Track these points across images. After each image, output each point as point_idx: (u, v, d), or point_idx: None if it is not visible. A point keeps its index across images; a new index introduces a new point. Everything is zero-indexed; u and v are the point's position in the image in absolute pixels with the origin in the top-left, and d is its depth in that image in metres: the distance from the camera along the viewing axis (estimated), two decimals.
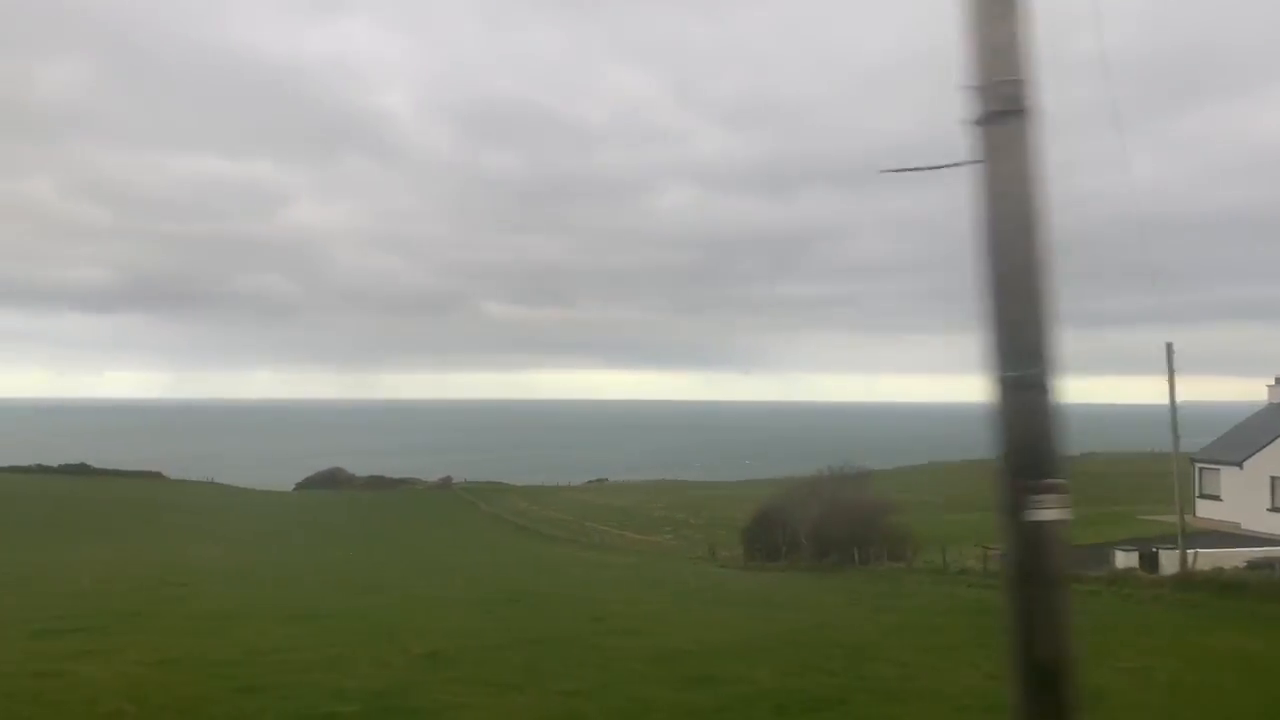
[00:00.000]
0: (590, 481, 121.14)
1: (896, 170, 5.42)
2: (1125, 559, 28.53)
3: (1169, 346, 25.78)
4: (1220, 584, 21.44)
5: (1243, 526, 38.91)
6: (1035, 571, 4.42)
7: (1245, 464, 41.51)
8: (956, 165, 4.47)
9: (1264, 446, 42.31)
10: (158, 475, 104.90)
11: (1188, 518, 35.30)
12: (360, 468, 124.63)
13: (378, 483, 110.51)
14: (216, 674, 12.07)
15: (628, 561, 40.85)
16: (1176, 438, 27.53)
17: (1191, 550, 25.95)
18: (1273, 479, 41.12)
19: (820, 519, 35.13)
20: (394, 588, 24.68)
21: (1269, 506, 40.45)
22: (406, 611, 19.20)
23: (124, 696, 10.68)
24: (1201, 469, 43.04)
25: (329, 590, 24.02)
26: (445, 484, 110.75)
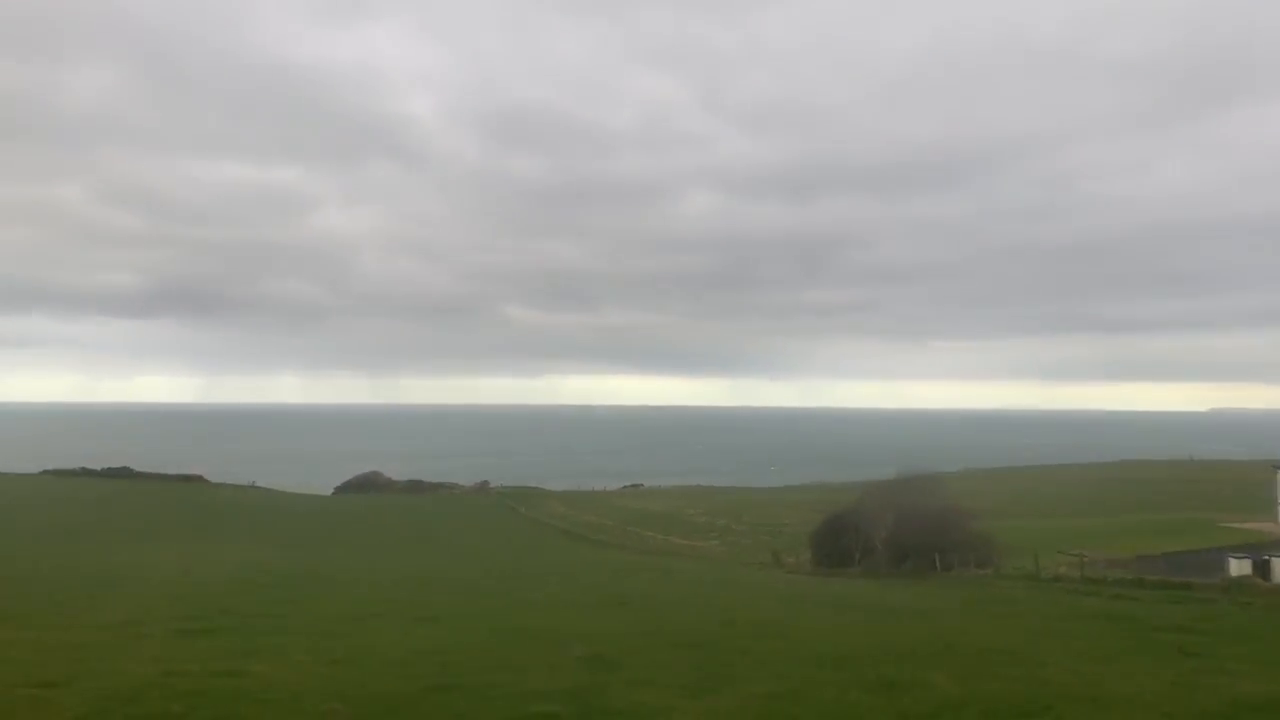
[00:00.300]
0: (626, 486, 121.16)
1: None
2: (1239, 567, 28.05)
3: None
4: None
5: None
6: None
7: None
8: None
9: None
10: (199, 479, 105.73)
11: (1269, 525, 34.75)
12: (394, 471, 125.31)
13: (416, 487, 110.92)
14: (397, 674, 12.24)
15: (691, 566, 40.78)
16: None
17: None
18: None
19: (897, 525, 34.91)
20: (494, 591, 24.83)
21: None
22: (527, 613, 19.33)
23: (326, 695, 10.87)
24: None
25: (431, 592, 24.21)
26: (483, 488, 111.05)
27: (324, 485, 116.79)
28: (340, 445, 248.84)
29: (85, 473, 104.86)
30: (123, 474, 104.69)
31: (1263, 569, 27.52)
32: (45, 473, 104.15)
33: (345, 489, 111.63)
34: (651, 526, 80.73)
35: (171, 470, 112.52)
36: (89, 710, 10.25)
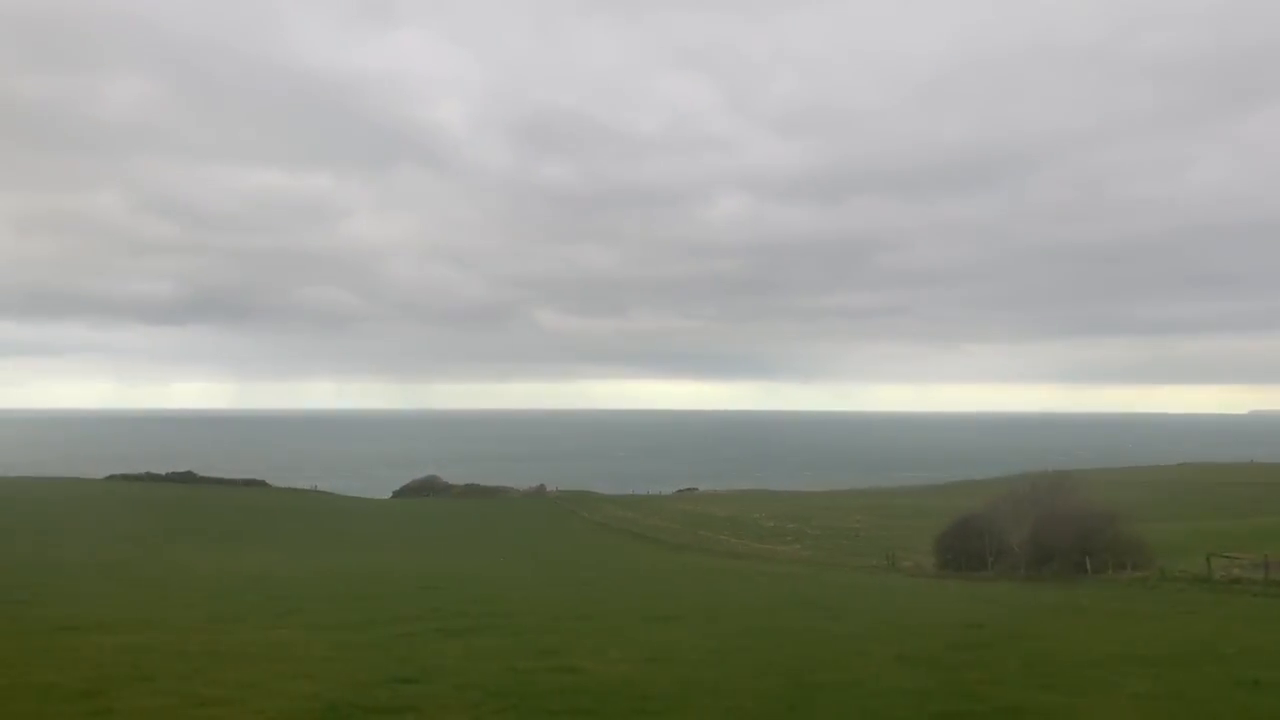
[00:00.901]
0: (680, 490, 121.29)
1: None
2: None
3: None
4: None
5: None
6: None
7: None
8: None
9: None
10: (262, 483, 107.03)
11: None
12: (449, 476, 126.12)
13: (473, 490, 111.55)
14: (723, 672, 12.35)
15: (802, 572, 40.65)
16: None
17: None
18: None
19: (1037, 527, 34.63)
20: (667, 593, 25.00)
21: None
22: (745, 616, 19.44)
23: (703, 693, 11.03)
24: None
25: (611, 593, 24.40)
26: (539, 492, 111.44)
27: (377, 489, 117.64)
28: (379, 450, 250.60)
29: (150, 477, 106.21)
30: (186, 479, 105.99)
31: None
32: (111, 478, 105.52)
33: (404, 493, 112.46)
34: (721, 530, 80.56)
35: (224, 475, 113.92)
36: (499, 706, 10.48)
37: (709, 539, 74.09)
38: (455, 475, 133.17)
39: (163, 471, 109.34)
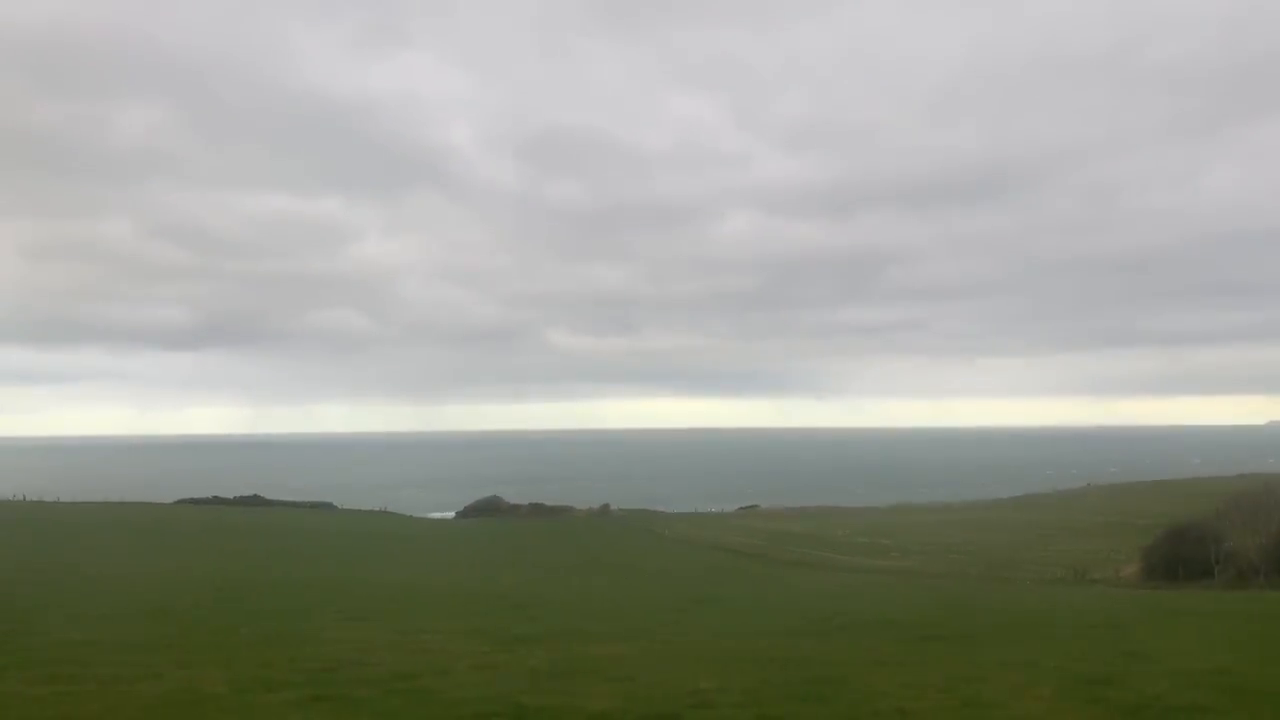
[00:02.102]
0: (742, 508, 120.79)
1: None
2: None
3: None
4: None
5: None
6: None
7: None
8: None
9: None
10: (330, 505, 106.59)
11: None
12: (511, 496, 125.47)
13: (539, 510, 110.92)
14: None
15: (1001, 588, 39.96)
16: None
17: None
18: None
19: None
20: (959, 608, 24.72)
21: None
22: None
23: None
24: None
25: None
26: (604, 511, 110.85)
27: (426, 510, 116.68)
28: (404, 472, 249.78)
29: (218, 501, 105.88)
30: (255, 501, 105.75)
31: None
32: (181, 502, 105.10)
33: (468, 513, 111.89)
34: (815, 546, 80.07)
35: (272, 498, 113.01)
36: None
37: (815, 555, 73.48)
38: (529, 495, 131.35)
39: (229, 495, 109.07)
